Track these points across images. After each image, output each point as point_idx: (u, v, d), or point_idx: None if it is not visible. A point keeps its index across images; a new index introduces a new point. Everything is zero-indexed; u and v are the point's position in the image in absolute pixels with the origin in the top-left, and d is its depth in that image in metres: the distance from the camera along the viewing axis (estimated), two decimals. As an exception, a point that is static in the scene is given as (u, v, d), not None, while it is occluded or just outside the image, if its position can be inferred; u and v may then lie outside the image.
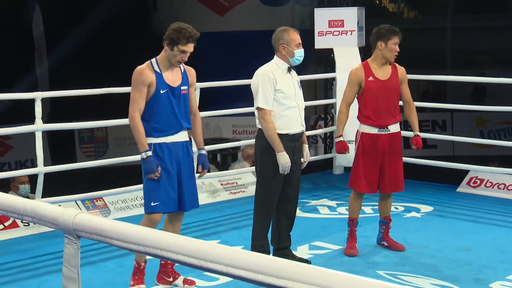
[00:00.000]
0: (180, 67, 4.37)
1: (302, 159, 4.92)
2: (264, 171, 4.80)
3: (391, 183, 5.21)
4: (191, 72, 4.45)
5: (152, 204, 4.29)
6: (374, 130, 5.13)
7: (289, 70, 4.77)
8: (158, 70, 4.26)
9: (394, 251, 5.27)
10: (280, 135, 4.70)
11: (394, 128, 5.19)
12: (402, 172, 5.27)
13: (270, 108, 4.67)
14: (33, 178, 6.04)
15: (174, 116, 4.28)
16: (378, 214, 5.48)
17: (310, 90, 13.24)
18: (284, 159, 4.68)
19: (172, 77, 4.30)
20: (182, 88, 4.33)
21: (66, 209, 2.13)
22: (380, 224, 5.42)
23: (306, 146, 4.92)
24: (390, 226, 5.40)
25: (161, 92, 4.24)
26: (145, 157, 4.22)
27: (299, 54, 4.76)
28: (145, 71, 4.23)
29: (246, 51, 12.46)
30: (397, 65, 5.24)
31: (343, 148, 5.15)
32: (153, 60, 4.30)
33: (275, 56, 4.81)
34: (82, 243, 2.13)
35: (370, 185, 5.18)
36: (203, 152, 4.54)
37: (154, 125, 4.26)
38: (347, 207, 5.47)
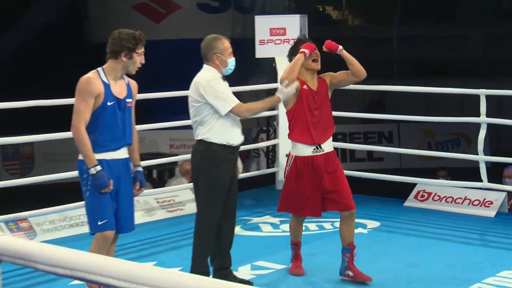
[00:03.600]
0: (124, 78, 4.35)
1: (238, 171, 4.95)
2: (205, 186, 4.78)
3: (342, 198, 5.02)
4: (134, 85, 4.44)
5: (100, 223, 4.22)
6: (308, 151, 5.01)
7: (223, 79, 4.79)
8: (106, 81, 4.22)
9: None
10: (222, 147, 4.72)
11: (328, 147, 5.07)
12: (349, 188, 5.10)
13: (238, 101, 4.70)
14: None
15: (117, 130, 4.25)
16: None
17: (251, 101, 13.25)
18: (287, 91, 4.77)
19: (119, 89, 4.28)
20: (127, 100, 4.32)
21: (-14, 232, 2.07)
22: (343, 252, 5.11)
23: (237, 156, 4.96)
24: (355, 253, 5.12)
25: (108, 104, 4.20)
26: (95, 172, 4.16)
27: (232, 63, 4.79)
28: (93, 81, 4.18)
29: (184, 60, 12.40)
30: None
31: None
32: (100, 69, 4.25)
33: (204, 65, 4.80)
34: (4, 269, 2.08)
35: (313, 207, 5.05)
36: (140, 169, 4.51)
37: (96, 138, 4.21)
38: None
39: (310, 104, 5.02)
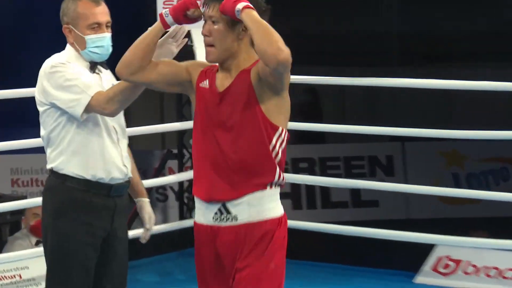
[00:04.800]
0: None
1: (145, 226, 5.01)
2: (54, 252, 4.78)
3: None
4: None
5: None
6: (208, 216, 4.32)
7: (93, 69, 4.80)
8: None
9: None
10: (83, 185, 4.71)
11: (248, 212, 4.29)
12: None
13: (99, 88, 4.66)
14: None
15: None
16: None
17: (152, 106, 13.18)
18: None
19: None
20: None
21: None
22: None
23: (146, 202, 5.00)
24: None
25: None
26: None
27: (96, 42, 4.77)
28: None
29: (32, 38, 12.31)
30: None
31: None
32: None
33: (67, 44, 4.87)
34: None
35: None
36: None
37: None
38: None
39: (207, 116, 4.32)
